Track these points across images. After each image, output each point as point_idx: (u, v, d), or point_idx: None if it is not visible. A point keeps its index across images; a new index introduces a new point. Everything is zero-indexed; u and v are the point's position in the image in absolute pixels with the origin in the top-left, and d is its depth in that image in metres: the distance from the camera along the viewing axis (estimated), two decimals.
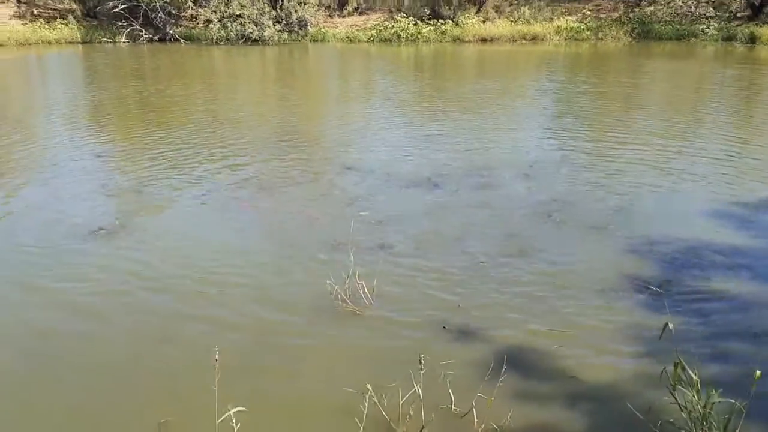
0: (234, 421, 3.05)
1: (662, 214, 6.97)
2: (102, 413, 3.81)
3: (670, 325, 3.41)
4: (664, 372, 3.45)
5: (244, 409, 3.01)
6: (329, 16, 33.79)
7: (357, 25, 32.66)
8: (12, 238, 6.46)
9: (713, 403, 3.27)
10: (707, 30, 28.04)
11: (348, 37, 31.20)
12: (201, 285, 5.39)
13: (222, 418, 2.98)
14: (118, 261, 5.89)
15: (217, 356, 2.98)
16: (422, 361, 3.41)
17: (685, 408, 3.39)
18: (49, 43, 30.09)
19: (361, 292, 5.00)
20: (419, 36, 30.45)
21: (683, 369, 3.36)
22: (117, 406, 3.85)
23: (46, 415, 3.80)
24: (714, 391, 3.26)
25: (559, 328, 4.68)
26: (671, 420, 3.50)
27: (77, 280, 5.51)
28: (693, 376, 3.35)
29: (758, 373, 3.09)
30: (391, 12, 33.40)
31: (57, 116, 13.25)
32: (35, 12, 33.24)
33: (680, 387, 3.38)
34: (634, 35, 29.26)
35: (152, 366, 4.28)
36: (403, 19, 31.19)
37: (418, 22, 30.98)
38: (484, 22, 31.06)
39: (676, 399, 3.40)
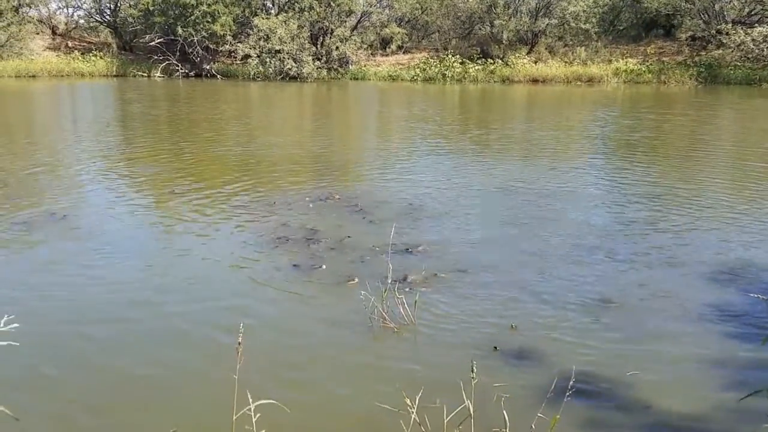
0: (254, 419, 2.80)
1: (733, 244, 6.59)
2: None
3: None
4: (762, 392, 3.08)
5: (266, 401, 2.75)
6: (371, 54, 34.32)
7: (400, 64, 33.10)
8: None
9: None
10: None
11: (390, 75, 31.62)
12: (226, 300, 5.24)
13: (239, 414, 2.73)
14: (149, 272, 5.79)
15: (240, 339, 2.75)
16: (474, 369, 3.10)
17: None
18: (82, 75, 31.27)
19: (401, 308, 4.74)
20: (466, 75, 30.69)
21: None
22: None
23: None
24: None
25: (631, 351, 4.33)
26: None
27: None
28: None
29: None
30: (436, 51, 33.82)
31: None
32: (70, 44, 34.72)
33: None
34: (700, 79, 28.92)
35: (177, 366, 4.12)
36: (449, 58, 31.51)
37: (465, 61, 31.25)
38: (536, 62, 31.15)
39: None
